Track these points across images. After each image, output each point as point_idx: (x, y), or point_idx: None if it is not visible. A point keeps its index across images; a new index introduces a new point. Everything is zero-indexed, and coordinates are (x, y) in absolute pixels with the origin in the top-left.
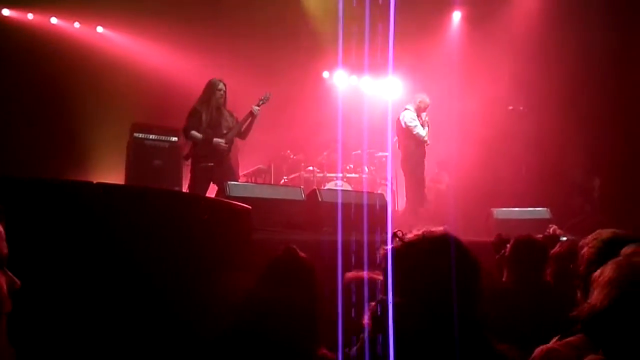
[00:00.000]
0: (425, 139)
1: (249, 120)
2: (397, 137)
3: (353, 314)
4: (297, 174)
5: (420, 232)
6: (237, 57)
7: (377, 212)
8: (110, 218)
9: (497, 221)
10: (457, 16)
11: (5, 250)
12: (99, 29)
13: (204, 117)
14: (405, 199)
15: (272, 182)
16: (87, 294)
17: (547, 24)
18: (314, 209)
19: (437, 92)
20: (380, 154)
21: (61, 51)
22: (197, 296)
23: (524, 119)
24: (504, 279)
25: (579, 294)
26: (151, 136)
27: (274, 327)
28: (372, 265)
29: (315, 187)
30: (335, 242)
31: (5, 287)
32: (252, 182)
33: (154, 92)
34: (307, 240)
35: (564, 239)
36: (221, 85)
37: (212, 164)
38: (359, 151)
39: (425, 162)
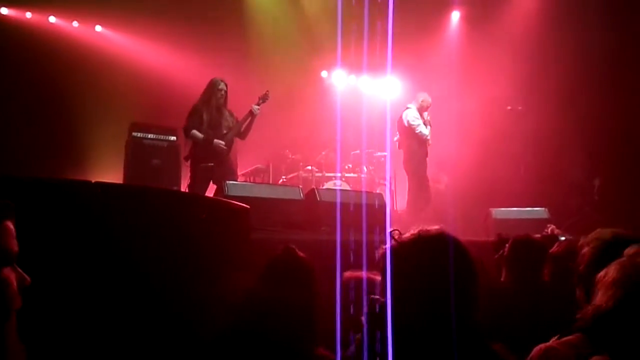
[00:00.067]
0: (428, 138)
1: (248, 120)
2: (397, 137)
3: (351, 313)
4: (295, 174)
5: (416, 231)
6: (235, 56)
7: (376, 211)
8: (108, 217)
9: (495, 221)
10: (456, 16)
11: (16, 248)
12: (98, 28)
13: (204, 116)
14: (407, 198)
15: (271, 182)
16: (85, 294)
17: (546, 24)
18: (313, 208)
19: (436, 92)
20: (379, 153)
21: (59, 50)
22: (195, 296)
23: (522, 119)
24: (502, 279)
25: (578, 293)
26: (149, 135)
27: (272, 327)
28: (371, 265)
29: (313, 186)
30: (334, 241)
31: (15, 283)
32: (250, 182)
33: (152, 91)
34: (306, 240)
35: (563, 238)
36: (222, 85)
37: (212, 164)
38: (358, 151)
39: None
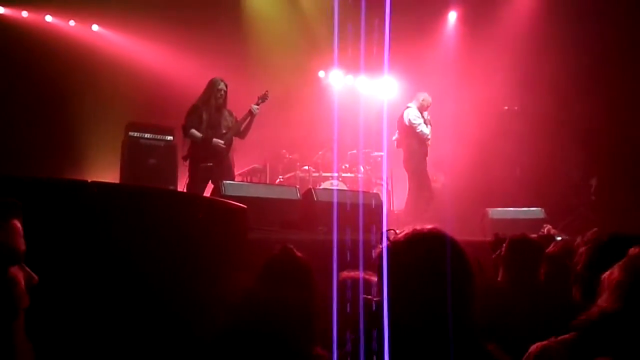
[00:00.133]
0: (429, 137)
1: (248, 120)
2: (397, 136)
3: (347, 313)
4: (292, 174)
5: (409, 230)
6: (233, 57)
7: (373, 211)
8: (105, 217)
9: (492, 221)
10: (452, 16)
11: (23, 246)
12: (94, 27)
13: (204, 115)
14: (406, 198)
15: (268, 182)
16: (82, 294)
17: (542, 24)
18: (310, 208)
19: (432, 92)
20: (376, 153)
21: (56, 50)
22: (192, 295)
23: (518, 119)
24: (499, 279)
25: (574, 293)
26: (146, 135)
27: (270, 327)
28: (368, 265)
29: (310, 186)
30: (331, 241)
31: (23, 282)
32: (247, 182)
33: (149, 90)
34: (303, 240)
35: (559, 238)
36: (222, 85)
37: (211, 164)
38: (355, 151)
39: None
